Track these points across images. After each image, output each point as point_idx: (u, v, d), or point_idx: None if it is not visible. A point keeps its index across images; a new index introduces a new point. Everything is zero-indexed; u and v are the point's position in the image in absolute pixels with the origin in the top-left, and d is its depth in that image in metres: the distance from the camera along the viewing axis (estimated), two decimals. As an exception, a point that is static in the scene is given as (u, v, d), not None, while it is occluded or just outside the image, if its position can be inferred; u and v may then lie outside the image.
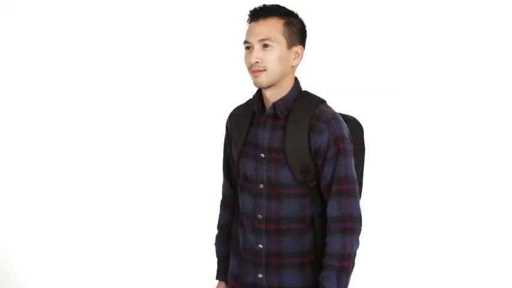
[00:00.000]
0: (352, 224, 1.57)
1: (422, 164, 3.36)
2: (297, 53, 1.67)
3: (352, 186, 1.61)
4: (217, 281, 1.93)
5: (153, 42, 3.37)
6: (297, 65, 1.70)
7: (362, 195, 1.80)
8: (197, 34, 3.35)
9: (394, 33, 3.32)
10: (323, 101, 1.70)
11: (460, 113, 3.34)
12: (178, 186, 3.37)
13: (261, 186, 1.70)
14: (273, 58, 1.62)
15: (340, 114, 1.72)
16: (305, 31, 1.70)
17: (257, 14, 1.65)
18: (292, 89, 1.69)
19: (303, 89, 1.74)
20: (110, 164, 3.41)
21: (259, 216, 1.70)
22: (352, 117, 1.79)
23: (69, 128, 3.38)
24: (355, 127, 1.75)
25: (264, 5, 1.67)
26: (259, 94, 1.74)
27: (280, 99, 1.67)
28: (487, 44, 3.30)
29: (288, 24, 1.64)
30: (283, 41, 1.63)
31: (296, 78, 1.73)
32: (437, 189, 3.34)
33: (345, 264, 1.56)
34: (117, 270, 3.34)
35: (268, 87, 1.66)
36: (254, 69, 1.64)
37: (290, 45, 1.65)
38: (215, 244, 1.92)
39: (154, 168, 3.41)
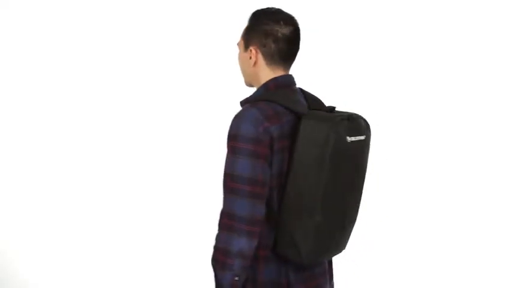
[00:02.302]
0: (223, 220, 1.57)
1: (422, 163, 3.37)
2: (251, 53, 1.66)
3: (231, 184, 1.56)
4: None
5: (154, 42, 3.38)
6: (259, 65, 1.66)
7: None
8: (197, 34, 3.36)
9: (395, 33, 3.33)
10: (255, 100, 1.63)
11: (460, 113, 3.35)
12: (181, 186, 3.38)
13: None
14: (239, 60, 1.72)
15: (339, 112, 1.62)
16: (265, 31, 1.63)
17: None
18: (258, 89, 1.68)
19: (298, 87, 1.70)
20: (112, 163, 3.41)
21: None
22: (354, 116, 1.61)
23: (70, 128, 3.39)
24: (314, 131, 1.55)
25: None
26: None
27: (244, 99, 1.70)
28: (486, 44, 3.31)
29: (248, 27, 1.68)
30: (242, 43, 1.69)
31: (274, 78, 1.66)
32: (437, 188, 3.35)
33: (214, 255, 1.58)
34: (117, 270, 3.34)
35: (251, 86, 1.74)
36: None
37: (246, 47, 1.68)
38: None
39: (158, 168, 3.42)
